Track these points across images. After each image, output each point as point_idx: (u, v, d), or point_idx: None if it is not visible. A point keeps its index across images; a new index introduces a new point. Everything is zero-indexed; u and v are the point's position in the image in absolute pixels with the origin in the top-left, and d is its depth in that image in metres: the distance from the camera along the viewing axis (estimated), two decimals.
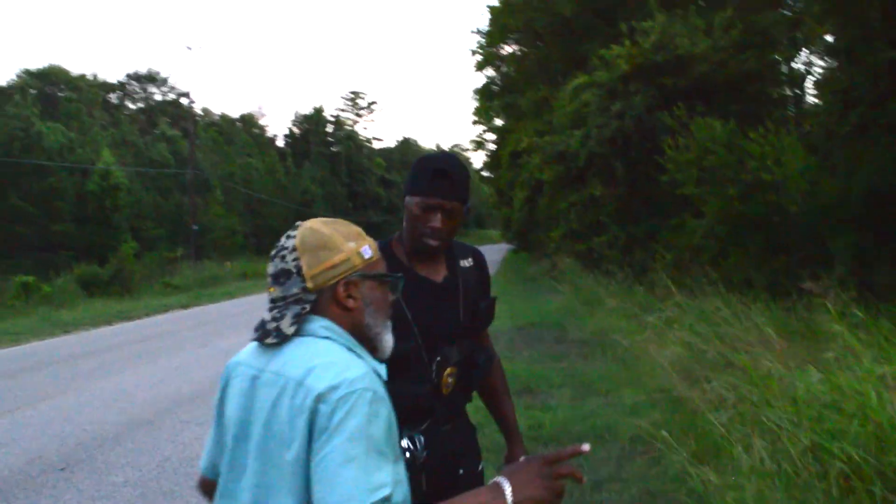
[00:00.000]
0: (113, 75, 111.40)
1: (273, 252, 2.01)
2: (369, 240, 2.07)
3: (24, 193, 38.64)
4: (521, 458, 1.92)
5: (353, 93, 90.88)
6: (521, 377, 10.15)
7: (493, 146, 43.91)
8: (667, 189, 16.90)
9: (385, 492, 1.68)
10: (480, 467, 2.97)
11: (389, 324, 2.08)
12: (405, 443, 2.64)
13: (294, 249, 1.96)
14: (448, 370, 2.74)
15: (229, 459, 1.92)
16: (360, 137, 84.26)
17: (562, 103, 23.36)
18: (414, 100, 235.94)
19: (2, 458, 7.45)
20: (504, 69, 37.29)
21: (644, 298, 13.95)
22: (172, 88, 70.76)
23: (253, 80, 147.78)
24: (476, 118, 42.34)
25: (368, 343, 2.01)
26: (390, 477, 1.72)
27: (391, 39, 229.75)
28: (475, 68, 37.65)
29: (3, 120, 39.90)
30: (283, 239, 2.01)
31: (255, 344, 2.00)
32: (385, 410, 1.79)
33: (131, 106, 71.15)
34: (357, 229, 2.08)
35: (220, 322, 19.17)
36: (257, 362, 1.94)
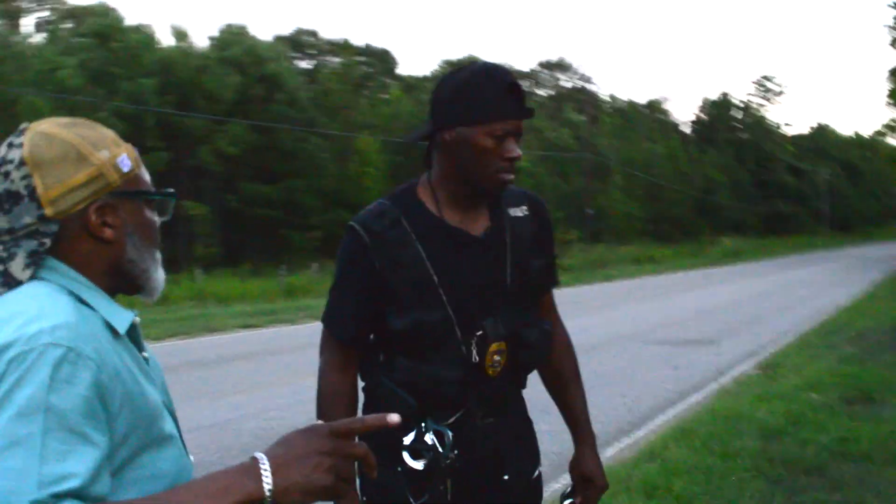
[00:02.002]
0: (526, 64, 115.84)
1: None
2: (127, 146, 1.54)
3: None
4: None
5: (762, 77, 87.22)
6: (867, 382, 8.98)
7: None
8: None
9: (71, 484, 1.20)
10: (536, 473, 2.41)
11: (159, 255, 1.59)
12: (429, 438, 2.14)
13: (23, 163, 1.43)
14: (494, 346, 2.18)
15: None
16: (769, 123, 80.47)
17: None
18: (826, 83, 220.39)
19: (277, 423, 7.86)
20: None
21: None
22: (580, 75, 72.11)
23: (660, 65, 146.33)
24: (890, 100, 38.68)
25: (131, 283, 1.54)
26: (88, 465, 1.23)
27: (799, 20, 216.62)
28: (891, 45, 34.38)
29: (419, 107, 42.79)
30: (3, 148, 1.47)
31: None
32: (89, 374, 1.29)
33: (541, 93, 73.65)
34: (111, 134, 1.54)
35: (571, 302, 18.95)
36: None
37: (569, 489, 2.46)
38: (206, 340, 13.69)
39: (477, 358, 2.18)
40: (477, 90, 2.12)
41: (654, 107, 72.17)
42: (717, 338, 13.77)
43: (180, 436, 1.56)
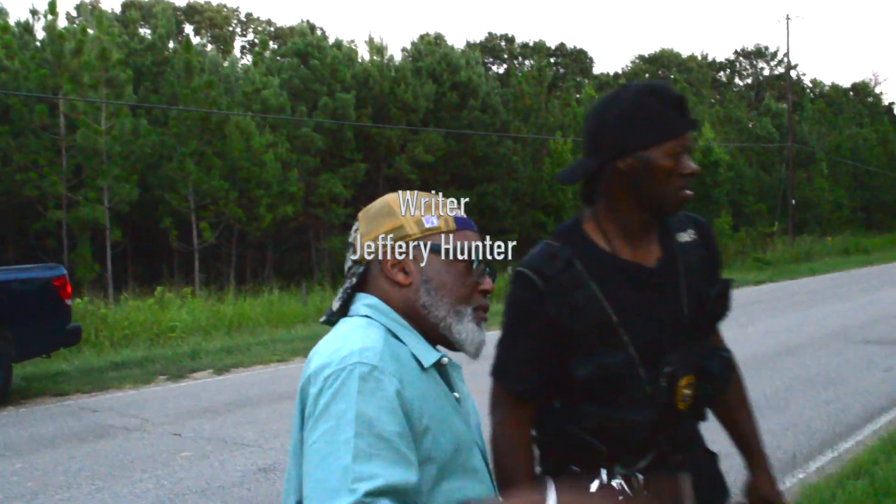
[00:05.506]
0: (722, 54, 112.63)
1: None
2: (446, 216, 1.73)
3: None
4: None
5: None
6: None
7: None
8: None
9: (375, 483, 1.39)
10: None
11: (467, 311, 1.70)
12: (617, 483, 2.02)
13: (357, 219, 1.77)
14: (684, 381, 2.05)
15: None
16: None
17: None
18: None
19: None
20: None
21: None
22: (780, 62, 69.68)
23: (867, 46, 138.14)
24: None
25: (434, 331, 1.69)
26: (393, 468, 1.43)
27: None
28: None
29: None
30: None
31: None
32: (391, 388, 1.51)
33: (739, 83, 71.76)
34: (440, 202, 1.75)
35: (772, 299, 18.31)
36: None
37: None
38: None
39: (668, 395, 2.06)
40: (650, 111, 2.03)
41: (862, 90, 68.80)
42: None
43: (490, 476, 1.76)
